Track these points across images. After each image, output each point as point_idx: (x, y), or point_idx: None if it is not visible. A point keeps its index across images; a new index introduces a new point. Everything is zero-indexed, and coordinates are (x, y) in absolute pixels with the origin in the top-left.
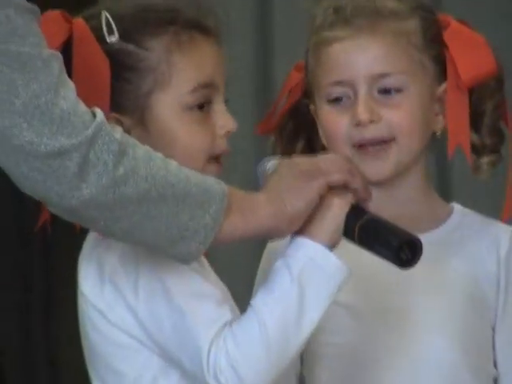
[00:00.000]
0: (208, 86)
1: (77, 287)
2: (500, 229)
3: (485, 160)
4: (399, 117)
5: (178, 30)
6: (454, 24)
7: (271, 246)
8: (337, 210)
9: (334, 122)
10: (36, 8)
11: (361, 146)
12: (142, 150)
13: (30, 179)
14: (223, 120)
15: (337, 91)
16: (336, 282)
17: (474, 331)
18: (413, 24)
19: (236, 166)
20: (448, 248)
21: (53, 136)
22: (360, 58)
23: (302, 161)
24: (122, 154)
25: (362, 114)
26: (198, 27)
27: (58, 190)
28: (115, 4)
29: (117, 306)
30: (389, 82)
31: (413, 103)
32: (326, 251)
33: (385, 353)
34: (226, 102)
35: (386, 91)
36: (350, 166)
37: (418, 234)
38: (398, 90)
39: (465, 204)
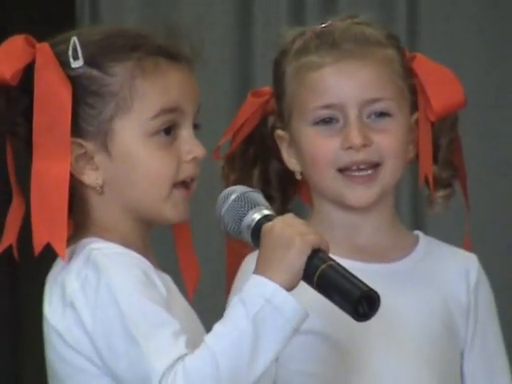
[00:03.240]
0: (173, 111)
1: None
2: (468, 258)
3: (440, 194)
4: (388, 141)
5: (143, 56)
6: (420, 56)
7: (247, 266)
8: (298, 252)
9: (320, 144)
10: None
11: (345, 170)
12: None
13: None
14: (189, 146)
15: (325, 114)
16: (292, 326)
17: (449, 359)
18: (393, 52)
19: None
20: (419, 277)
21: None
22: (351, 82)
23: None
24: None
25: (356, 138)
26: (165, 53)
27: None
28: (87, 30)
29: (75, 329)
30: (379, 107)
31: (399, 129)
32: (284, 293)
33: (362, 380)
34: (197, 126)
35: (377, 115)
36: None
37: (387, 263)
38: (388, 115)
39: (436, 230)
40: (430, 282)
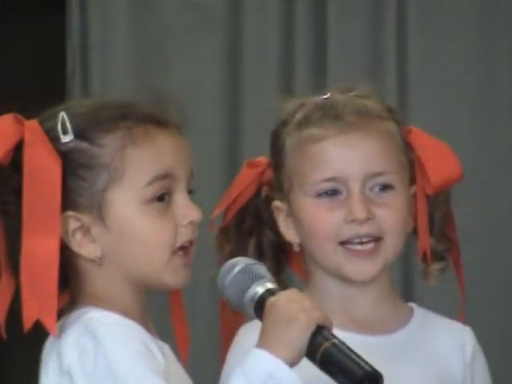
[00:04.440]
0: (166, 177)
1: None
2: (464, 332)
3: (435, 266)
4: (390, 216)
5: (131, 125)
6: (415, 130)
7: (242, 338)
8: (302, 329)
9: (322, 217)
10: None
11: (347, 243)
12: None
13: None
14: (185, 210)
15: (328, 186)
16: None
17: None
18: (393, 126)
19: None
20: (415, 348)
21: None
22: (354, 155)
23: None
24: None
25: (359, 212)
26: (153, 120)
27: None
28: (74, 104)
29: None
30: (383, 181)
31: (401, 203)
32: (287, 369)
33: None
34: (190, 192)
35: (380, 188)
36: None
37: (383, 335)
38: (390, 188)
39: (428, 302)
40: (425, 354)
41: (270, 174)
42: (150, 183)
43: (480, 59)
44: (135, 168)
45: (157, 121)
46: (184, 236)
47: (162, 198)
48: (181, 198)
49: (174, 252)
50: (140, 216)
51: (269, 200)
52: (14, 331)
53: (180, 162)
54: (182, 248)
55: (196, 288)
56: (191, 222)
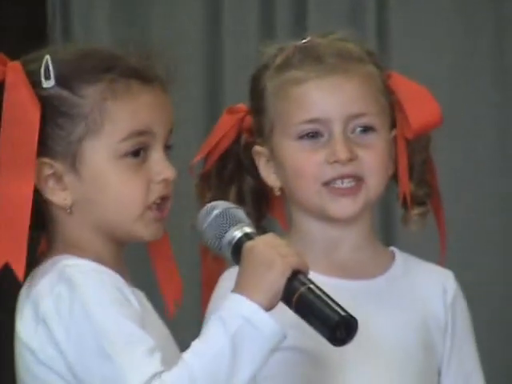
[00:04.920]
0: (143, 133)
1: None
2: (445, 275)
3: (415, 211)
4: (372, 157)
5: (115, 78)
6: (396, 74)
7: (225, 283)
8: (279, 274)
9: (305, 158)
10: None
11: (330, 183)
12: None
13: None
14: (159, 167)
15: (310, 128)
16: (270, 345)
17: (425, 375)
18: (373, 69)
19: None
20: (397, 293)
21: None
22: (336, 96)
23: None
24: None
25: (342, 152)
26: (138, 75)
27: None
28: (60, 49)
29: (48, 346)
30: (364, 122)
31: (382, 145)
32: (263, 313)
33: None
34: (169, 148)
35: (361, 130)
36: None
37: (365, 280)
38: (372, 130)
39: (408, 246)
40: (407, 298)
41: (250, 120)
42: (126, 139)
43: (462, 4)
44: (113, 122)
45: (141, 76)
46: (156, 192)
47: (137, 153)
48: (156, 156)
49: (147, 207)
50: (112, 170)
51: (249, 147)
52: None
53: (159, 119)
54: (156, 204)
55: (179, 236)
56: (164, 180)
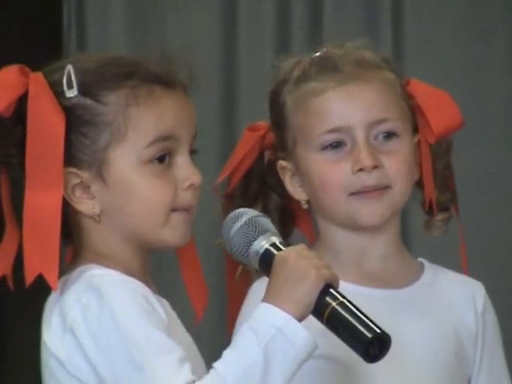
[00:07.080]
0: (168, 138)
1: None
2: (474, 285)
3: (438, 217)
4: (397, 164)
5: (137, 84)
6: (414, 80)
7: (256, 293)
8: (312, 286)
9: (330, 169)
10: None
11: (357, 193)
12: None
13: None
14: (186, 173)
15: (332, 138)
16: (302, 356)
17: None
18: (391, 75)
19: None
20: (427, 303)
21: None
22: (356, 104)
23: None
24: None
25: (366, 159)
26: (160, 80)
27: None
28: (82, 58)
29: (76, 356)
30: (386, 128)
31: (407, 150)
32: (295, 323)
33: None
34: (194, 152)
35: (384, 136)
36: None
37: (394, 289)
38: (395, 136)
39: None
40: (438, 308)
41: (271, 137)
42: (151, 144)
43: (476, 14)
44: (137, 128)
45: (163, 81)
46: (184, 199)
47: (162, 159)
48: (182, 160)
49: (174, 210)
50: (138, 176)
51: (272, 164)
52: (18, 286)
53: (183, 123)
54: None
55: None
56: (191, 186)
